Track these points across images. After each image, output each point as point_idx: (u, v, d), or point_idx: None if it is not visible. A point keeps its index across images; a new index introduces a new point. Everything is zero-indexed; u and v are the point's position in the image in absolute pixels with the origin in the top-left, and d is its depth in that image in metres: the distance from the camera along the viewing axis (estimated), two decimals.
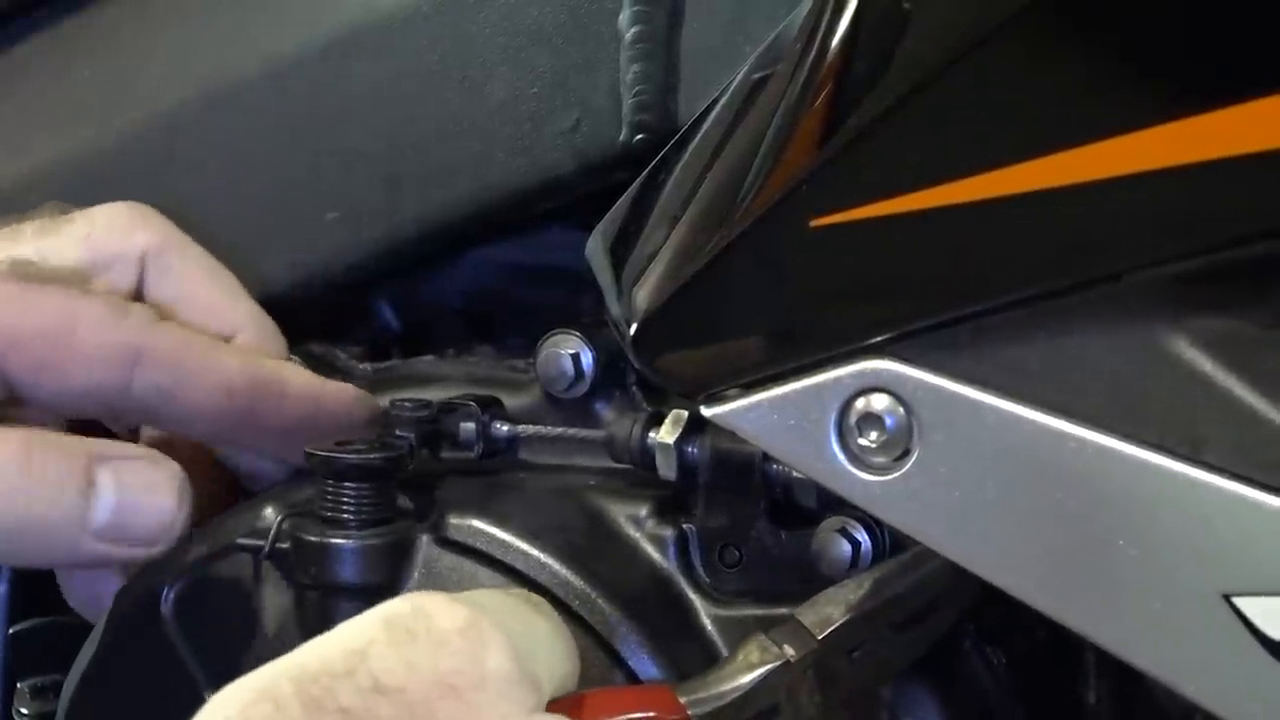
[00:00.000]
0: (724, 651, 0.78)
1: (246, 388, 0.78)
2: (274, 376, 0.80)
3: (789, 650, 0.68)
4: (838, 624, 0.69)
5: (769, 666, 0.68)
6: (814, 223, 0.60)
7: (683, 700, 0.66)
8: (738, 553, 0.79)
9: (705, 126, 0.66)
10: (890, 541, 0.77)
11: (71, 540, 0.73)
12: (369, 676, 0.57)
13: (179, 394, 0.77)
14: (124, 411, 0.80)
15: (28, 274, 0.79)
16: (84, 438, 0.76)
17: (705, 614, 0.79)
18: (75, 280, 0.81)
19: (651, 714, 0.65)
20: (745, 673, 0.67)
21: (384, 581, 0.76)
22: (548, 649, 0.62)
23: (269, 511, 0.79)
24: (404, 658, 0.57)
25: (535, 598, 0.66)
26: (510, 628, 0.60)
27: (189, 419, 0.78)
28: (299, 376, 0.82)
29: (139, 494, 0.74)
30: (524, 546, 0.77)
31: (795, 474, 0.76)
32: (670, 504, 0.81)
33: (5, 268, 0.79)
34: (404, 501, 0.78)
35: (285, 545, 0.76)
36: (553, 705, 0.61)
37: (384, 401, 0.85)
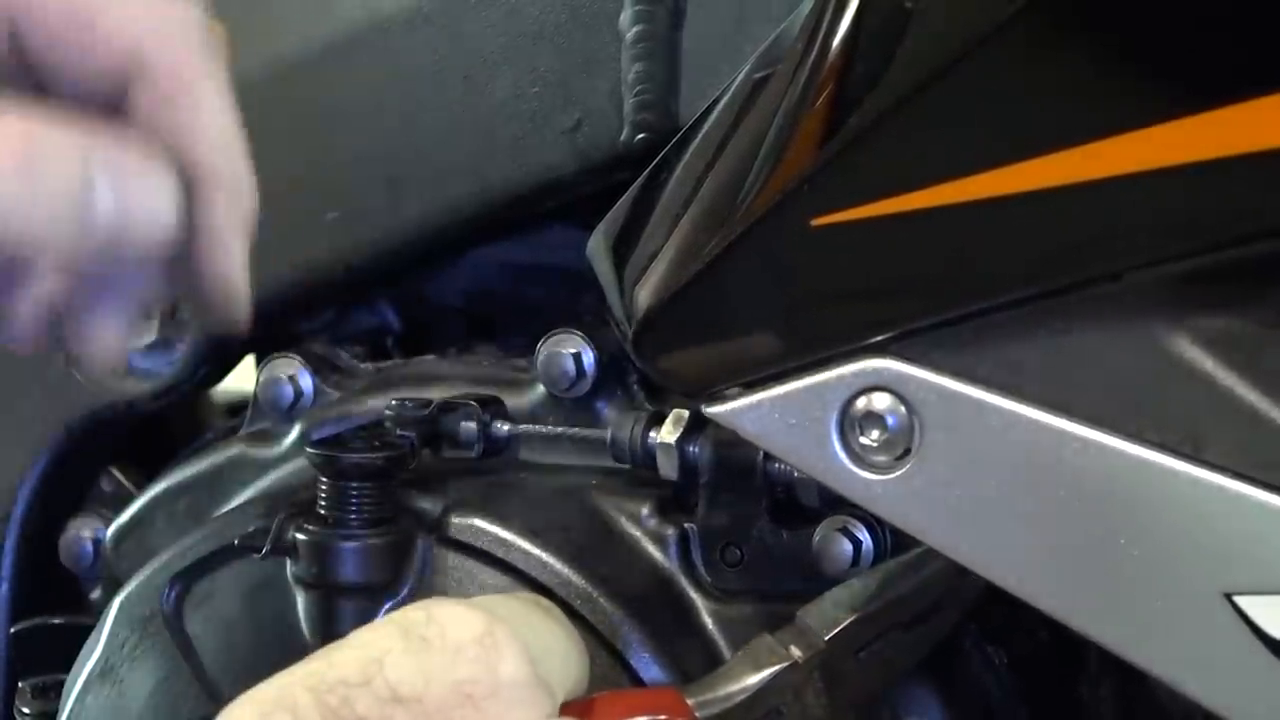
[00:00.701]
0: (725, 650, 0.78)
1: None
2: None
3: (795, 651, 0.68)
4: (844, 625, 0.69)
5: (776, 668, 0.67)
6: (815, 222, 0.60)
7: (690, 702, 0.66)
8: (739, 552, 0.79)
9: (706, 126, 0.66)
10: (892, 540, 0.77)
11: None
12: (386, 686, 0.56)
13: None
14: None
15: None
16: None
17: (707, 613, 0.79)
18: None
19: (660, 717, 0.65)
20: (752, 674, 0.67)
21: (386, 581, 0.76)
22: (561, 654, 0.62)
23: (270, 511, 0.79)
24: (420, 667, 0.57)
25: (546, 602, 0.66)
26: (524, 634, 0.60)
27: None
28: None
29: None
30: (525, 546, 0.77)
31: (796, 473, 0.76)
32: (671, 503, 0.81)
33: None
34: (405, 501, 0.78)
35: (286, 545, 0.76)
36: (563, 709, 0.61)
37: (385, 401, 0.85)
